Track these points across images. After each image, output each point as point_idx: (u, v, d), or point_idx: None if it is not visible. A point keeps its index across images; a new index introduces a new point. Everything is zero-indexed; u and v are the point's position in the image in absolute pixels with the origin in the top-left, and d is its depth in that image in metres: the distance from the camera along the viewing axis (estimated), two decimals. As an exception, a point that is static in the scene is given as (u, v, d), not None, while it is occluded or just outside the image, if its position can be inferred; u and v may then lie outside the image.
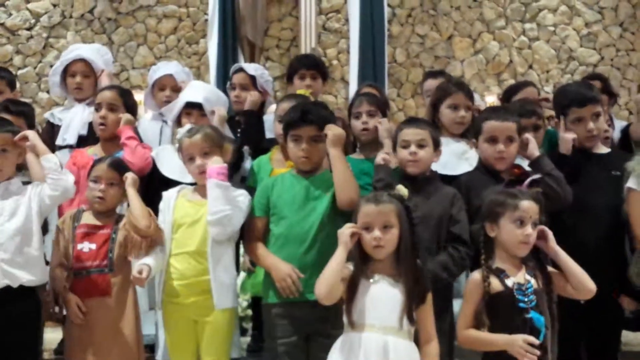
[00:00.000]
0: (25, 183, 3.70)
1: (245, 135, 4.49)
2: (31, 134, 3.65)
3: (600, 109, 3.94)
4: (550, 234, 3.26)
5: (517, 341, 3.10)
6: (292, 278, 3.43)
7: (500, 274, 3.20)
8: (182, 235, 3.59)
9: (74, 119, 4.52)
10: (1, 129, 3.63)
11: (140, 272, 3.43)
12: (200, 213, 3.58)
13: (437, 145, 3.66)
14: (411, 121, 3.82)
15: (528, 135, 3.79)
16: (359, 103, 4.22)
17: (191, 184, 3.79)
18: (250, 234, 3.62)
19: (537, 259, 3.28)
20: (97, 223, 3.67)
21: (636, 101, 6.34)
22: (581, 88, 4.07)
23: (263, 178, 3.93)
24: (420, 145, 3.60)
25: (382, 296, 3.06)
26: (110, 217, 3.68)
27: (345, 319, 3.09)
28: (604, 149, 3.99)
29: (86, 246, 3.62)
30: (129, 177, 3.68)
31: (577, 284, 3.24)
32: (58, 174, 3.57)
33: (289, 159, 3.78)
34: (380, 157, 3.73)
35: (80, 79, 4.68)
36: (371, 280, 3.07)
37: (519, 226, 3.18)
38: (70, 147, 4.41)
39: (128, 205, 3.69)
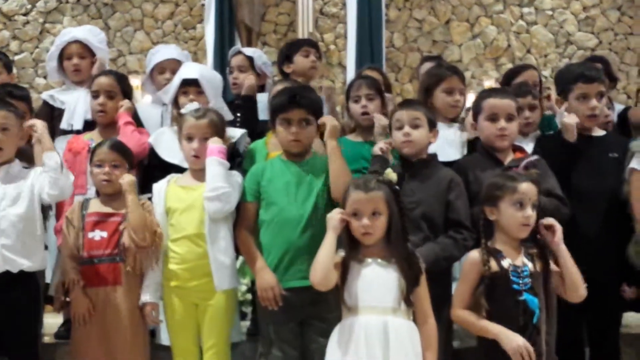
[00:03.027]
0: (25, 167, 3.70)
1: (243, 120, 4.48)
2: (40, 125, 3.63)
3: (604, 89, 3.94)
4: (559, 230, 3.24)
5: (517, 341, 3.10)
6: (274, 292, 3.43)
7: (497, 254, 3.21)
8: (179, 219, 3.61)
9: (78, 104, 4.49)
10: (4, 107, 3.63)
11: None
12: (194, 196, 3.60)
13: (432, 126, 3.64)
14: (405, 103, 3.82)
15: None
16: (357, 86, 4.21)
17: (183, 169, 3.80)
18: (240, 219, 3.61)
19: (536, 241, 3.28)
20: (107, 210, 3.67)
21: None
22: (587, 66, 4.10)
23: (259, 161, 3.92)
24: (415, 126, 3.58)
25: (375, 278, 3.08)
26: (118, 202, 3.66)
27: (342, 303, 3.11)
28: (600, 132, 3.98)
29: (97, 234, 3.62)
30: (125, 181, 3.63)
31: (571, 285, 3.24)
32: (58, 174, 3.53)
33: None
34: (377, 147, 3.72)
35: (77, 61, 4.65)
36: (363, 264, 3.10)
37: (519, 209, 3.19)
38: (78, 132, 4.39)
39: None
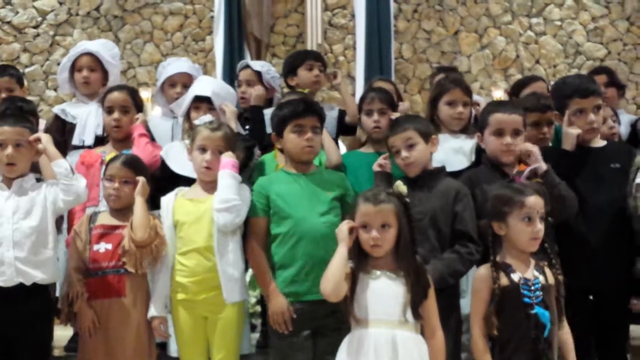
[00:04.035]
0: (38, 180, 3.72)
1: (252, 131, 4.50)
2: (45, 137, 3.67)
3: (601, 102, 3.91)
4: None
5: None
6: (285, 316, 3.45)
7: (507, 268, 3.20)
8: (187, 232, 3.61)
9: (89, 119, 4.52)
10: (19, 123, 3.66)
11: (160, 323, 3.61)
12: (202, 209, 3.61)
13: (428, 137, 3.63)
14: (394, 126, 3.77)
15: (529, 146, 3.71)
16: (370, 100, 4.22)
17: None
18: (251, 234, 3.61)
19: (545, 253, 3.28)
20: (114, 223, 3.70)
21: None
22: (583, 80, 4.04)
23: (269, 174, 3.94)
24: (409, 146, 3.60)
25: (384, 291, 3.08)
26: (126, 215, 3.68)
27: (350, 315, 3.11)
28: (600, 142, 3.95)
29: (102, 247, 3.65)
30: (139, 183, 3.69)
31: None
32: (70, 180, 3.57)
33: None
34: (376, 165, 3.74)
35: (87, 73, 4.68)
36: (372, 276, 3.10)
37: (528, 223, 3.18)
38: (89, 147, 4.42)
39: None
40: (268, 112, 4.59)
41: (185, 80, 4.75)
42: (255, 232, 3.60)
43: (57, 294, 4.01)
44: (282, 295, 3.48)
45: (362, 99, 4.33)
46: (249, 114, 4.66)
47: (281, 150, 3.87)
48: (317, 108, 3.68)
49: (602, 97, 4.00)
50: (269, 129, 4.42)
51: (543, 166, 3.62)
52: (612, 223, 3.75)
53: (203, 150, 3.68)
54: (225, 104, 4.25)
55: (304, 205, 3.53)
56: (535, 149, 3.67)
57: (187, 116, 4.24)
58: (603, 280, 3.69)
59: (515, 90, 5.01)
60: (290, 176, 3.63)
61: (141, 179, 3.71)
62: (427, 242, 3.45)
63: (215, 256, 3.55)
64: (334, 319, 3.38)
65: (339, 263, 3.08)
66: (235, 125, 4.11)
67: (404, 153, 3.60)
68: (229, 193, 3.53)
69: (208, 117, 3.82)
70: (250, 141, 4.13)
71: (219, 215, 3.53)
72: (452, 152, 4.04)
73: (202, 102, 4.21)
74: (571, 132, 3.82)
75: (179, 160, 4.05)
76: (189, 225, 3.62)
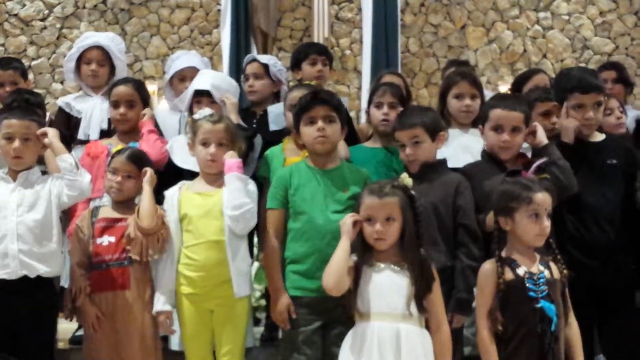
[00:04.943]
0: (44, 173, 3.74)
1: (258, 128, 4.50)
2: (51, 131, 3.67)
3: (602, 98, 3.88)
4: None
5: None
6: (284, 316, 3.46)
7: (512, 263, 3.19)
8: (197, 226, 3.61)
9: (94, 114, 4.52)
10: (27, 116, 3.67)
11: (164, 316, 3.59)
12: (211, 203, 3.61)
13: (435, 134, 3.62)
14: (401, 121, 3.73)
15: (536, 124, 3.75)
16: (382, 93, 4.18)
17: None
18: (270, 227, 3.58)
19: (549, 247, 3.27)
20: (116, 215, 3.70)
21: None
22: (586, 74, 4.00)
23: (276, 167, 3.92)
24: (415, 143, 3.59)
25: (388, 284, 3.08)
26: (129, 208, 3.69)
27: (354, 309, 3.11)
28: (598, 137, 3.93)
29: (105, 240, 3.66)
30: (147, 173, 3.70)
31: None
32: (74, 175, 3.57)
33: (304, 149, 3.77)
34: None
35: (95, 67, 4.68)
36: (375, 269, 3.09)
37: (535, 220, 3.16)
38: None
39: None
40: (272, 110, 4.60)
41: (195, 75, 4.74)
42: (272, 225, 3.56)
43: (62, 284, 4.02)
44: (287, 295, 3.48)
45: (373, 91, 4.30)
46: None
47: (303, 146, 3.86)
48: (325, 97, 3.62)
49: (604, 93, 3.97)
50: (272, 127, 4.45)
51: (544, 140, 3.64)
52: (613, 220, 3.74)
53: (206, 144, 3.68)
54: (226, 96, 4.25)
55: (319, 202, 3.50)
56: (539, 126, 3.71)
57: (191, 111, 4.24)
58: (608, 277, 3.68)
59: (517, 84, 4.99)
60: (310, 170, 3.59)
61: (149, 169, 3.71)
62: (427, 234, 3.43)
63: (226, 250, 3.55)
64: (343, 312, 3.37)
65: (341, 256, 3.08)
66: (235, 117, 4.11)
67: (408, 150, 3.60)
68: (240, 197, 3.54)
69: (207, 111, 3.82)
70: (250, 131, 4.13)
71: (235, 224, 3.54)
72: (459, 147, 4.02)
73: (203, 96, 4.21)
74: (569, 126, 3.81)
75: (184, 154, 4.05)
76: (198, 218, 3.61)
